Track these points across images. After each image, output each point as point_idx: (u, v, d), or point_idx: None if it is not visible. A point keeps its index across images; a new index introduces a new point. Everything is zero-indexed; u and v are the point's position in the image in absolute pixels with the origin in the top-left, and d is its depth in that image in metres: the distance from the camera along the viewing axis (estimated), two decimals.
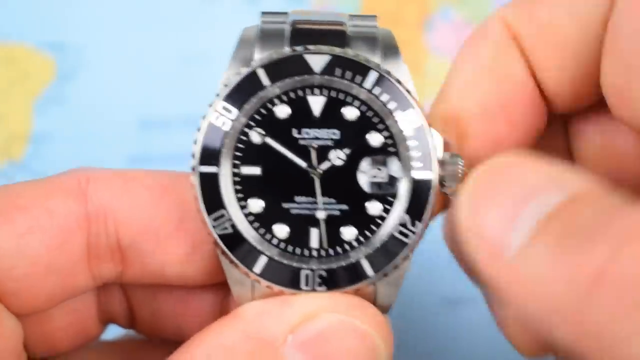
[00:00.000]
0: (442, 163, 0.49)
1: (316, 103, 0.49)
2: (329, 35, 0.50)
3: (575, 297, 0.39)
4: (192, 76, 0.79)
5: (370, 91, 0.49)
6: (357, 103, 0.49)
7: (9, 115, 0.79)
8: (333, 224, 0.49)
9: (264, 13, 0.51)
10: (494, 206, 0.42)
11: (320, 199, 0.49)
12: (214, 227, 0.49)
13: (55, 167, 0.77)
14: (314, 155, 0.49)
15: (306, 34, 0.50)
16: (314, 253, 0.49)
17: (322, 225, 0.49)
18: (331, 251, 0.49)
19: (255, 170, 0.49)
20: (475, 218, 0.42)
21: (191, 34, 0.80)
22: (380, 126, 0.49)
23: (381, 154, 0.49)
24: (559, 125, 0.56)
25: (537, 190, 0.41)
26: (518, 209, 0.41)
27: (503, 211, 0.41)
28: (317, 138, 0.49)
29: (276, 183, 0.49)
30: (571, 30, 0.50)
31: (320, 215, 0.49)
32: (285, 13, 0.51)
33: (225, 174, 0.49)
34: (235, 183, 0.49)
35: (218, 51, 0.79)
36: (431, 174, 0.49)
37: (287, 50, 0.49)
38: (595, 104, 0.53)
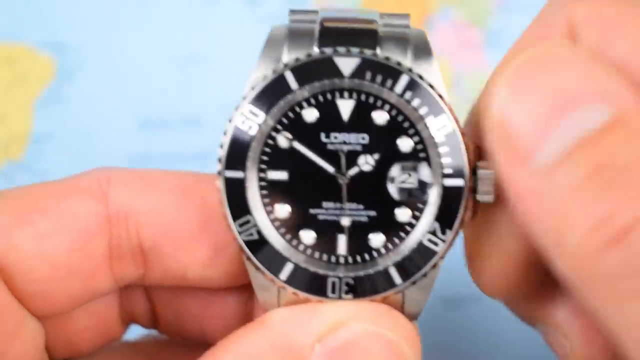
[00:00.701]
0: (474, 171, 0.48)
1: (345, 107, 0.48)
2: (360, 34, 0.48)
3: (591, 247, 0.38)
4: (192, 76, 0.79)
5: (401, 95, 0.48)
6: (387, 107, 0.48)
7: (9, 115, 0.79)
8: (361, 231, 0.48)
9: (292, 11, 0.50)
10: (531, 102, 0.39)
11: (345, 205, 0.48)
12: (239, 233, 0.48)
13: (55, 167, 0.78)
14: (343, 160, 0.48)
15: (336, 33, 0.48)
16: (341, 260, 0.48)
17: (348, 232, 0.48)
18: (359, 258, 0.48)
19: (282, 175, 0.48)
20: (507, 110, 0.40)
21: (191, 34, 0.80)
22: (411, 131, 0.48)
23: (411, 160, 0.48)
24: None
25: (582, 100, 0.39)
26: (556, 116, 0.39)
27: (540, 112, 0.39)
28: (345, 142, 0.48)
29: (303, 188, 0.48)
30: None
31: (346, 221, 0.48)
32: (315, 11, 0.50)
33: (251, 178, 0.48)
34: (261, 188, 0.48)
35: (218, 51, 0.79)
36: (462, 181, 0.47)
37: (315, 52, 0.48)
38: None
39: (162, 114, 0.79)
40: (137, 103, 0.78)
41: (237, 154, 0.48)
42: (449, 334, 0.76)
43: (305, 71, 0.48)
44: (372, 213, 0.48)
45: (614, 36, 0.42)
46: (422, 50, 0.49)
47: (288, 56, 0.48)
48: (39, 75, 0.79)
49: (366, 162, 0.48)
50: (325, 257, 0.48)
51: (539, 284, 0.50)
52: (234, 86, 0.77)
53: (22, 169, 0.78)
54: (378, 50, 0.48)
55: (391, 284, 0.48)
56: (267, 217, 0.48)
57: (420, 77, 0.48)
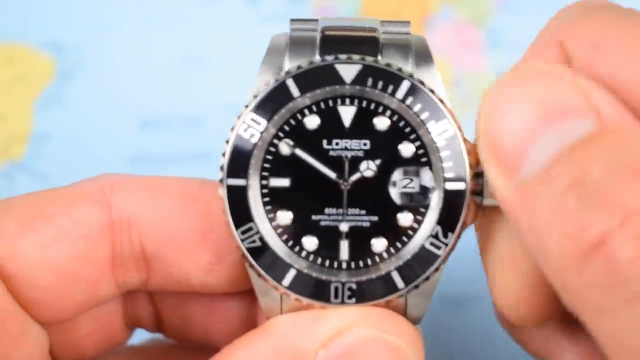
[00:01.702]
0: (477, 175, 0.48)
1: (347, 113, 0.49)
2: (362, 42, 0.49)
3: (569, 258, 0.38)
4: (192, 76, 0.79)
5: (402, 101, 0.48)
6: (388, 113, 0.48)
7: (9, 115, 0.79)
8: (363, 236, 0.49)
9: (293, 20, 0.50)
10: (516, 116, 0.40)
11: (346, 210, 0.49)
12: (242, 240, 0.48)
13: (55, 167, 0.78)
14: (346, 166, 0.48)
15: (337, 42, 0.49)
16: (344, 265, 0.49)
17: (350, 237, 0.49)
18: (361, 263, 0.49)
19: (284, 182, 0.49)
20: (494, 123, 0.41)
21: (191, 34, 0.80)
22: (412, 136, 0.48)
23: (413, 165, 0.48)
24: None
25: (564, 114, 0.40)
26: (539, 129, 0.40)
27: (527, 122, 0.40)
28: (347, 149, 0.48)
29: (305, 195, 0.49)
30: None
31: (349, 227, 0.49)
32: (315, 20, 0.50)
33: (253, 186, 0.48)
34: (263, 195, 0.48)
35: (218, 51, 0.79)
36: (464, 185, 0.48)
37: (317, 60, 0.48)
38: None
39: (162, 114, 0.79)
40: (137, 103, 0.78)
41: (239, 161, 0.48)
42: (449, 334, 0.76)
43: (306, 78, 0.48)
44: (374, 218, 0.49)
45: (605, 53, 0.43)
46: (423, 56, 0.49)
47: (289, 64, 0.49)
48: (39, 75, 0.79)
49: (368, 168, 0.49)
50: (327, 262, 0.49)
51: (556, 312, 0.49)
52: (234, 86, 0.78)
53: (22, 169, 0.78)
54: (379, 58, 0.49)
55: (394, 288, 0.48)
56: (270, 224, 0.48)
57: (422, 83, 0.48)
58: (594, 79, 0.42)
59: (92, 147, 0.78)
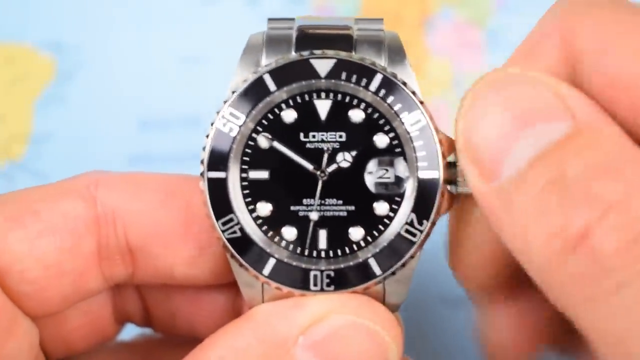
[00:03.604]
0: (450, 164, 0.49)
1: (322, 107, 0.50)
2: (336, 39, 0.51)
3: (550, 255, 0.40)
4: (192, 76, 0.79)
5: (376, 93, 0.49)
6: (363, 106, 0.50)
7: (9, 115, 0.79)
8: (341, 225, 0.50)
9: (270, 19, 0.52)
10: (492, 122, 0.42)
11: (324, 200, 0.50)
12: (223, 231, 0.49)
13: (55, 167, 0.78)
14: (325, 158, 0.50)
15: (313, 39, 0.50)
16: (322, 254, 0.50)
17: (328, 227, 0.50)
18: (339, 252, 0.50)
19: (263, 175, 0.50)
20: (472, 127, 0.43)
21: (191, 34, 0.80)
22: (387, 128, 0.50)
23: (387, 155, 0.50)
24: None
25: (541, 115, 0.41)
26: (518, 130, 0.41)
27: (502, 127, 0.42)
28: (323, 141, 0.50)
29: (284, 186, 0.50)
30: None
31: (326, 217, 0.50)
32: (292, 19, 0.52)
33: (233, 178, 0.50)
34: (243, 187, 0.50)
35: (218, 51, 0.79)
36: (437, 173, 0.49)
37: (293, 55, 0.50)
38: None
39: (161, 114, 0.79)
40: (136, 103, 0.79)
41: (219, 155, 0.50)
42: (449, 334, 0.76)
43: (283, 73, 0.50)
44: (351, 208, 0.50)
45: (611, 45, 0.44)
46: (396, 52, 0.51)
47: (266, 62, 0.50)
48: (39, 75, 0.79)
49: (344, 159, 0.50)
50: (306, 251, 0.50)
51: (508, 280, 0.53)
52: None
53: (22, 169, 0.78)
54: (353, 53, 0.50)
55: (371, 275, 0.49)
56: (250, 215, 0.50)
57: (394, 76, 0.50)
58: (601, 75, 0.43)
59: (91, 147, 0.78)
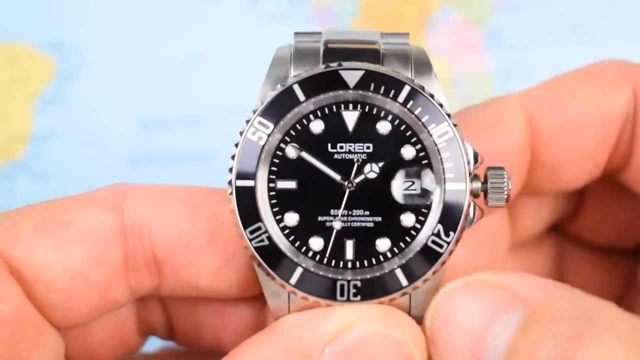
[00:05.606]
0: (484, 176, 0.50)
1: (350, 118, 0.50)
2: (364, 53, 0.51)
3: None
4: (192, 76, 0.79)
5: (403, 105, 0.50)
6: (390, 117, 0.50)
7: (9, 115, 0.79)
8: (368, 236, 0.50)
9: (297, 33, 0.52)
10: (458, 335, 0.44)
11: (351, 211, 0.50)
12: (250, 239, 0.49)
13: (55, 167, 0.78)
14: (355, 168, 0.50)
15: (341, 53, 0.51)
16: (349, 264, 0.50)
17: (355, 238, 0.50)
18: (366, 262, 0.50)
19: (291, 185, 0.50)
20: (442, 341, 0.45)
21: (191, 34, 0.80)
22: (414, 139, 0.50)
23: (414, 167, 0.50)
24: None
25: (498, 312, 0.43)
26: (485, 335, 0.43)
27: (472, 332, 0.44)
28: (351, 152, 0.50)
29: (311, 197, 0.50)
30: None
31: (354, 228, 0.50)
32: (319, 33, 0.52)
33: (261, 188, 0.50)
34: (270, 197, 0.50)
35: (218, 51, 0.79)
36: (463, 185, 0.49)
37: (322, 66, 0.50)
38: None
39: (162, 114, 0.79)
40: (137, 103, 0.79)
41: (247, 164, 0.50)
42: None
43: (312, 84, 0.50)
44: (378, 219, 0.50)
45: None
46: (423, 65, 0.51)
47: (294, 73, 0.50)
48: (39, 75, 0.79)
49: (371, 170, 0.50)
50: (333, 262, 0.50)
51: None
52: (234, 86, 0.78)
53: (23, 169, 0.78)
54: (381, 66, 0.50)
55: (397, 285, 0.49)
56: (277, 225, 0.50)
57: (422, 88, 0.50)
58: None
59: (92, 147, 0.78)
